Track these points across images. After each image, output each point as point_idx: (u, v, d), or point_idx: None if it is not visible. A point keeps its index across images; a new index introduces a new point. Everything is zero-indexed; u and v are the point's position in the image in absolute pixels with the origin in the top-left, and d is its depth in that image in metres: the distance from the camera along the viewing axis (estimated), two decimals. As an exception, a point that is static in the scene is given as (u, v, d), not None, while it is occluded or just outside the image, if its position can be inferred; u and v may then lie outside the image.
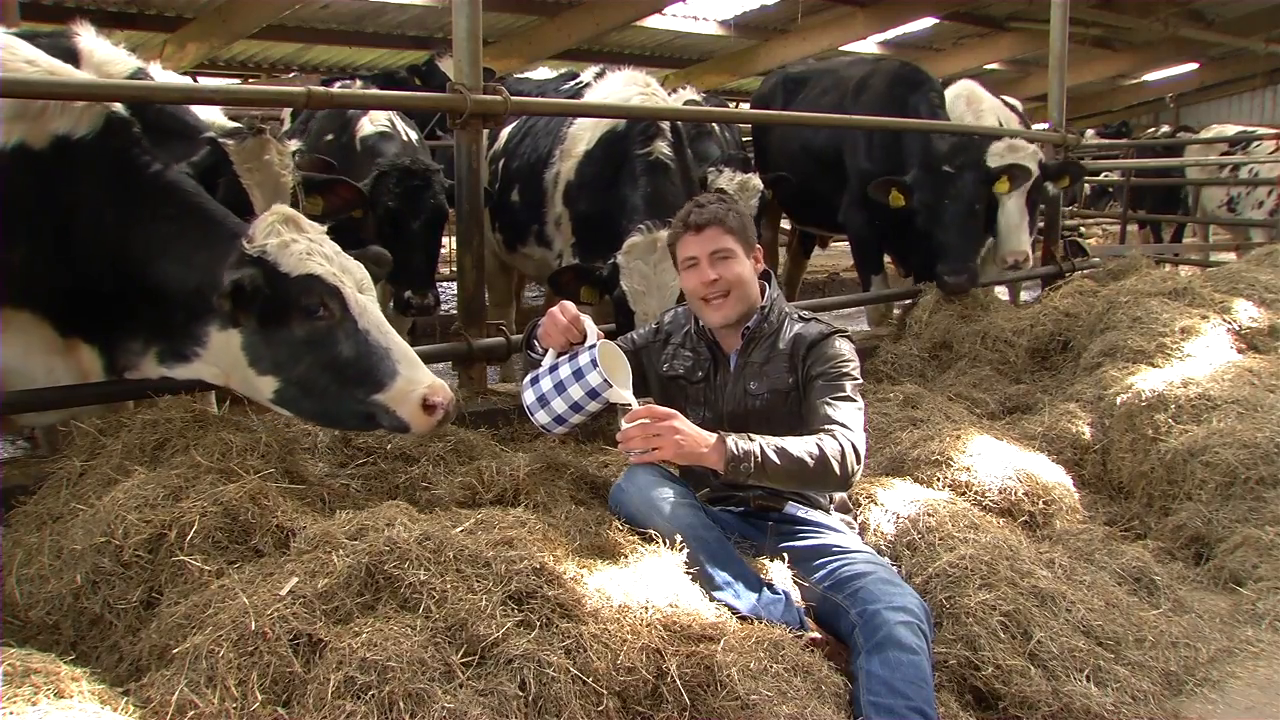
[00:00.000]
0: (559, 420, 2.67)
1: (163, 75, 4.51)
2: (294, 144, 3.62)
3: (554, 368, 2.67)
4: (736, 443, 2.50)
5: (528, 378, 2.75)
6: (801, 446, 2.56)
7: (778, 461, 2.51)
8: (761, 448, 2.51)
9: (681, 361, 3.02)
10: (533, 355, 2.86)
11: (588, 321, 2.71)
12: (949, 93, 7.17)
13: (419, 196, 4.94)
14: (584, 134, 5.02)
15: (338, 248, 2.85)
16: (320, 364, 2.75)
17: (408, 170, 4.94)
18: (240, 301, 2.70)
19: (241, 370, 2.85)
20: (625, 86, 5.14)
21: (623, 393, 2.60)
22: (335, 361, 2.74)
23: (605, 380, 2.57)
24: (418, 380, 2.74)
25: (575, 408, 2.64)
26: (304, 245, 2.75)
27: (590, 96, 5.38)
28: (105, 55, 3.45)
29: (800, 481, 2.63)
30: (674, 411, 2.54)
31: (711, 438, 2.51)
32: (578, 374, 2.60)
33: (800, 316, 2.99)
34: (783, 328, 2.94)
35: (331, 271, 2.75)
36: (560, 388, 2.63)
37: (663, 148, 4.69)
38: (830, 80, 7.01)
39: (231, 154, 3.67)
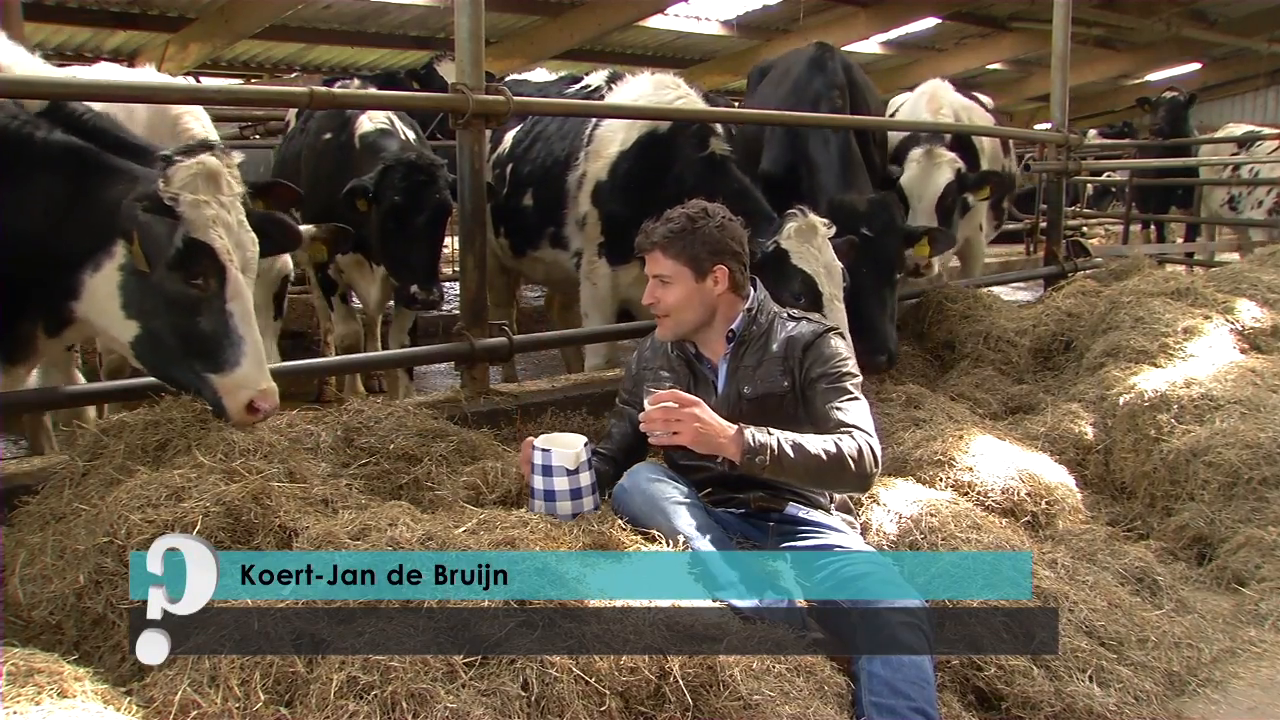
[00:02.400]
0: (548, 496, 2.68)
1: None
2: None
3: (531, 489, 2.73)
4: (754, 434, 2.52)
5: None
6: (819, 444, 2.57)
7: (793, 456, 2.52)
8: (779, 441, 2.53)
9: (661, 384, 2.99)
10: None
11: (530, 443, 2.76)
12: (913, 93, 7.05)
13: (424, 191, 4.90)
14: (616, 136, 4.99)
15: (243, 217, 2.84)
16: (178, 327, 2.78)
17: (413, 165, 4.89)
18: (144, 239, 2.70)
19: (113, 311, 2.85)
20: (657, 90, 5.09)
21: (566, 453, 2.66)
22: (192, 331, 2.77)
23: (545, 450, 2.65)
24: (254, 380, 2.76)
25: (549, 494, 2.67)
26: (213, 211, 2.74)
27: (615, 98, 5.27)
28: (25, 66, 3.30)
29: (816, 478, 2.64)
30: (697, 399, 2.57)
31: (731, 428, 2.53)
32: (535, 469, 2.67)
33: (790, 316, 2.99)
34: (773, 329, 2.93)
35: (226, 247, 2.75)
36: (535, 492, 2.70)
37: (721, 145, 4.73)
38: (780, 69, 6.49)
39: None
